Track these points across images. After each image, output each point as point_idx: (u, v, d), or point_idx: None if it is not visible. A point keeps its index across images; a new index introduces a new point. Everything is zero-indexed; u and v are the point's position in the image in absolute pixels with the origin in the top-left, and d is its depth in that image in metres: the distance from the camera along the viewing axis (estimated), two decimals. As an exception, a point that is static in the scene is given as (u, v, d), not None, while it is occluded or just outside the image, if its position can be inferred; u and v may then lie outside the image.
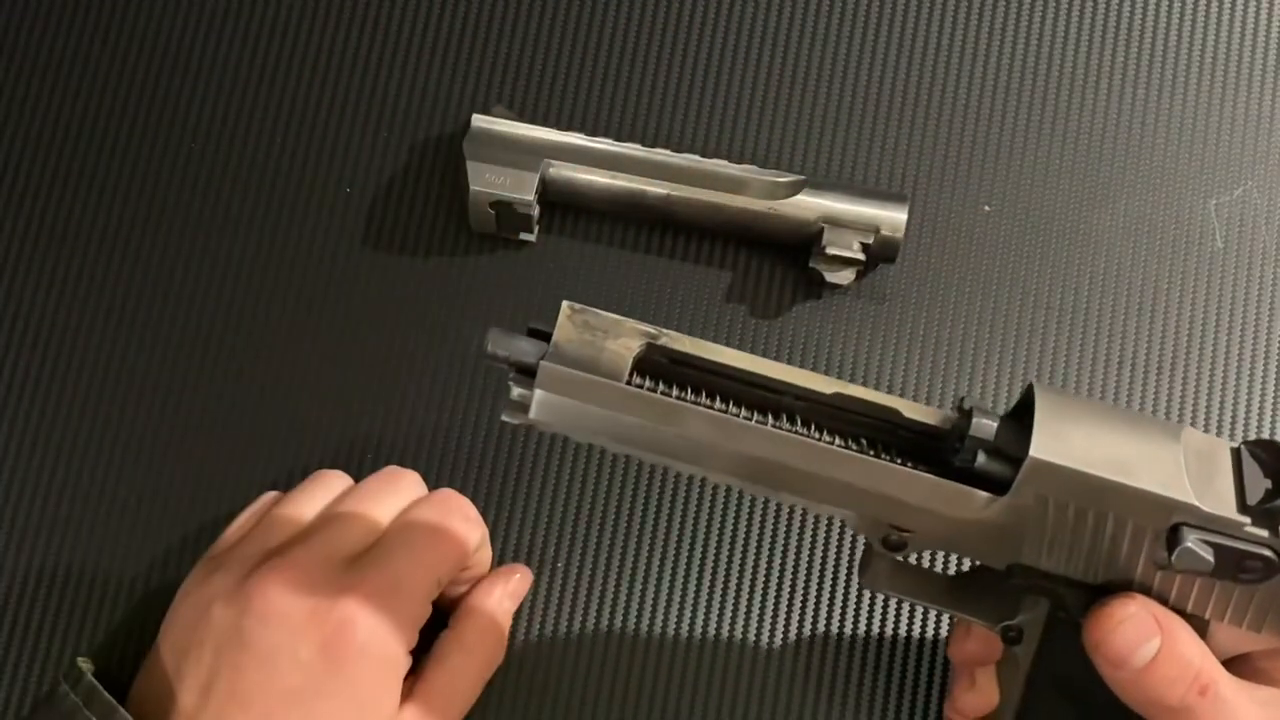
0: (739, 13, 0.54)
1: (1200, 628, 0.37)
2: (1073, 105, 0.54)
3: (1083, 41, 0.54)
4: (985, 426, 0.36)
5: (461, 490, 0.48)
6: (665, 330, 0.37)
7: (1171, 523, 0.36)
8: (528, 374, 0.36)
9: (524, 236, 0.51)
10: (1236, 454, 0.37)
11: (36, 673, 0.48)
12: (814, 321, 0.51)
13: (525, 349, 0.36)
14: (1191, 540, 0.35)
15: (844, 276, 0.50)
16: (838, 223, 0.49)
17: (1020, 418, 0.37)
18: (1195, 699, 0.37)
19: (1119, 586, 0.38)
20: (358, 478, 0.49)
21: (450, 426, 0.50)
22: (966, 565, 0.48)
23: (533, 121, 0.50)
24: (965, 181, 0.53)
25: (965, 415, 0.37)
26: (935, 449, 0.38)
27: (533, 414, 0.37)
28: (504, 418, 0.37)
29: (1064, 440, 0.36)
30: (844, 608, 0.48)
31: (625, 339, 0.37)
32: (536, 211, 0.50)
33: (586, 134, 0.50)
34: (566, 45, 0.54)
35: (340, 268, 0.51)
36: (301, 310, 0.51)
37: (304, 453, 0.50)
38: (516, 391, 0.37)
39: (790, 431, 0.37)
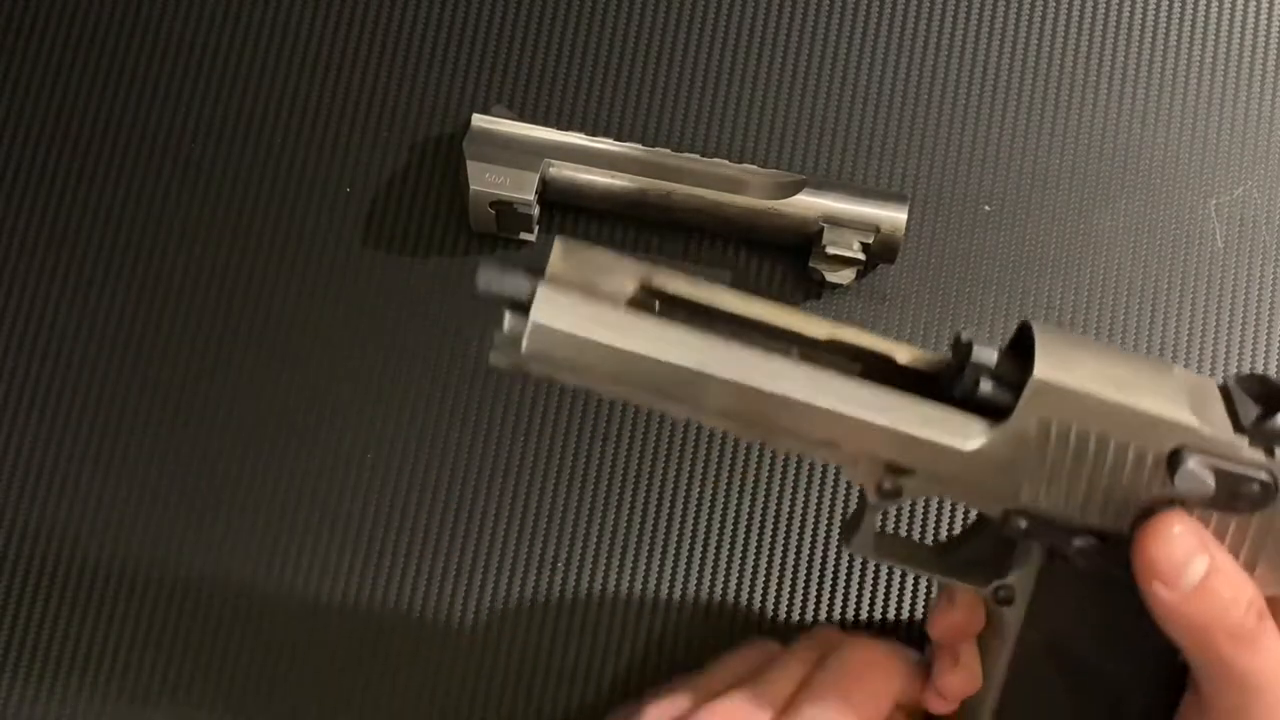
0: (739, 13, 0.54)
1: None
2: (1073, 105, 0.54)
3: (1083, 42, 0.54)
4: (987, 353, 0.36)
5: (461, 490, 0.48)
6: (660, 269, 0.37)
7: (1172, 446, 0.36)
8: (521, 310, 0.35)
9: (524, 236, 0.51)
10: (1224, 389, 0.37)
11: (36, 673, 0.48)
12: (814, 321, 0.51)
13: (519, 283, 0.35)
14: (1193, 462, 0.35)
15: (844, 276, 0.50)
16: (838, 222, 0.49)
17: (1016, 352, 0.37)
18: (1255, 621, 0.36)
19: (1115, 532, 0.37)
20: (359, 477, 0.49)
21: (450, 425, 0.50)
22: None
23: (533, 121, 0.50)
24: (965, 181, 0.53)
25: (964, 346, 0.37)
26: (934, 387, 0.37)
27: (526, 347, 0.35)
28: (492, 360, 0.36)
29: (1066, 364, 0.36)
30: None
31: (620, 277, 0.36)
32: (536, 211, 0.50)
33: (586, 134, 0.50)
34: (566, 45, 0.54)
35: (340, 268, 0.51)
36: (301, 310, 0.51)
37: (303, 452, 0.50)
38: (509, 324, 0.36)
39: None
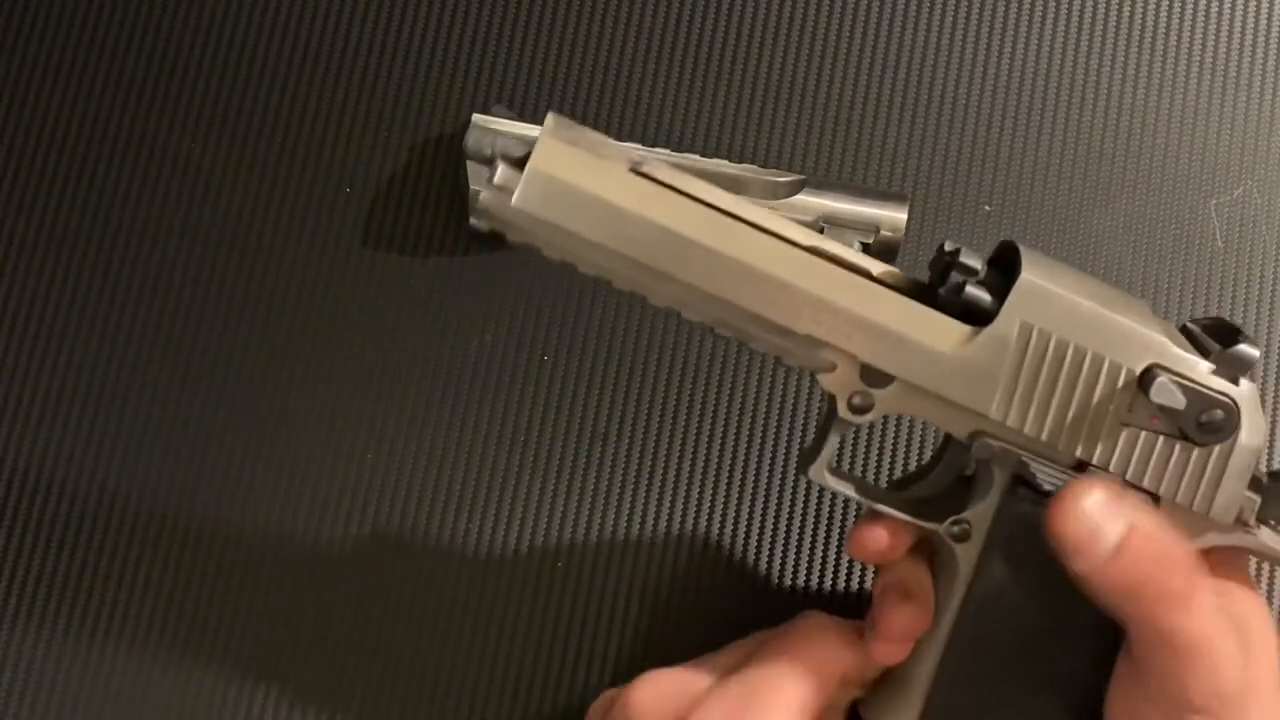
0: (739, 13, 0.54)
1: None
2: (1073, 105, 0.54)
3: (1083, 41, 0.54)
4: (974, 259, 0.37)
5: (461, 490, 0.48)
6: (651, 155, 0.37)
7: (1145, 364, 0.37)
8: (515, 164, 0.35)
9: (524, 236, 0.51)
10: (1184, 328, 0.38)
11: (35, 674, 0.48)
12: (814, 321, 0.51)
13: (512, 143, 0.35)
14: (1165, 377, 0.36)
15: (844, 276, 0.50)
16: (838, 223, 0.49)
17: (998, 267, 0.38)
18: (1183, 582, 0.35)
19: (1079, 460, 0.37)
20: (358, 477, 0.49)
21: (450, 425, 0.50)
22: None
23: (533, 121, 0.50)
24: (965, 181, 0.53)
25: (950, 254, 0.37)
26: (917, 296, 0.38)
27: (518, 198, 0.35)
28: (474, 220, 0.36)
29: (1051, 273, 0.37)
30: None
31: (611, 160, 0.36)
32: (536, 211, 0.50)
33: (586, 134, 0.50)
34: (566, 45, 0.54)
35: (340, 268, 0.51)
36: (301, 310, 0.51)
37: (303, 452, 0.50)
38: (501, 175, 0.35)
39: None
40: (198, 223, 0.52)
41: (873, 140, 0.53)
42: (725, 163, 0.50)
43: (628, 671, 0.48)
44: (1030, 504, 0.38)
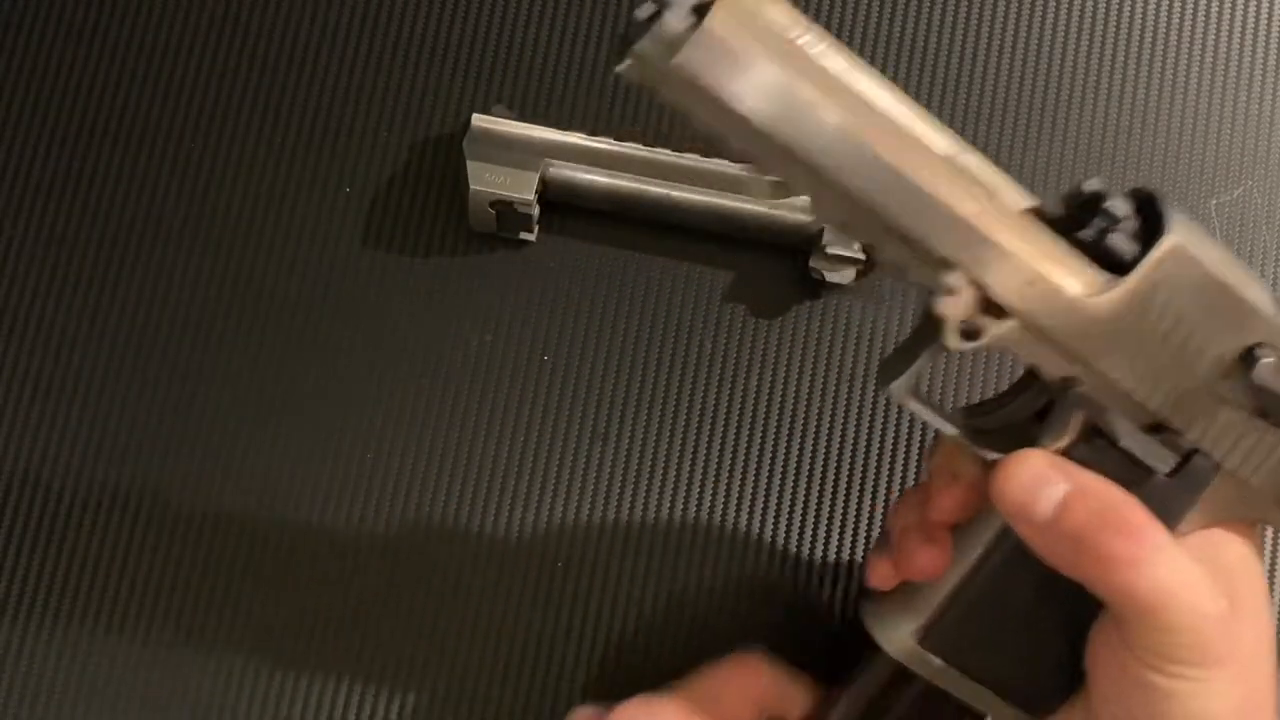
0: (739, 13, 0.54)
1: (1206, 477, 0.37)
2: (1072, 105, 0.54)
3: (1083, 42, 0.54)
4: (1120, 206, 0.36)
5: (461, 490, 0.48)
6: (812, 28, 0.33)
7: (1250, 342, 0.36)
8: (686, 11, 0.31)
9: (524, 236, 0.51)
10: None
11: (36, 671, 0.48)
12: (814, 321, 0.51)
13: None
14: (1271, 359, 0.36)
15: (844, 276, 0.50)
16: (838, 222, 0.49)
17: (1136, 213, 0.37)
18: (1126, 544, 0.35)
19: (1158, 423, 0.37)
20: (358, 477, 0.49)
21: (450, 425, 0.50)
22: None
23: (533, 121, 0.50)
24: (965, 181, 0.53)
25: (1091, 196, 0.36)
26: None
27: (682, 58, 0.31)
28: (621, 69, 0.31)
29: (1194, 239, 0.36)
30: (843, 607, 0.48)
31: (777, 25, 0.32)
32: (536, 211, 0.50)
33: (586, 134, 0.50)
34: (566, 45, 0.54)
35: (340, 268, 0.51)
36: (301, 310, 0.51)
37: (304, 451, 0.50)
38: (671, 24, 0.31)
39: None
40: (198, 222, 0.52)
41: (873, 140, 0.53)
42: (725, 162, 0.50)
43: (628, 671, 0.48)
44: (1100, 454, 0.37)
